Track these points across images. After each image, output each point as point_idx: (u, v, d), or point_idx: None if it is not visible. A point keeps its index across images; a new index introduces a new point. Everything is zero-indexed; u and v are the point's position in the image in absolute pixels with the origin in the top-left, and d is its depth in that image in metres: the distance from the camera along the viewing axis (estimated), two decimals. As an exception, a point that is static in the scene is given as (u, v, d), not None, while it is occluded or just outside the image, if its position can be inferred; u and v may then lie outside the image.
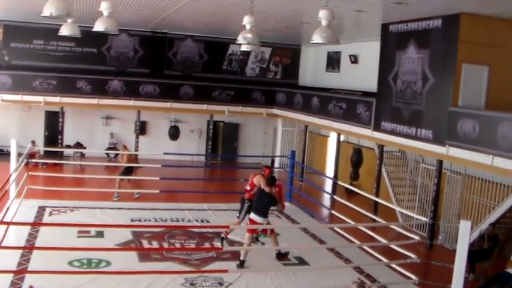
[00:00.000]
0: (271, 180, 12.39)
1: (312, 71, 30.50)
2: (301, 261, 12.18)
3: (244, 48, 13.89)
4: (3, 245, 10.60)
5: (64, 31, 13.96)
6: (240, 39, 11.93)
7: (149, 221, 14.77)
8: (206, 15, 20.84)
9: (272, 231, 12.43)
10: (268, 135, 31.44)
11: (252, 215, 12.29)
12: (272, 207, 12.72)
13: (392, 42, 18.93)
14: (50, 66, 27.80)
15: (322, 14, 10.21)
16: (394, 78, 18.54)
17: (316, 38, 10.28)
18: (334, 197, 17.83)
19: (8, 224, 11.56)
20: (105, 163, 26.44)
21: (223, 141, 31.40)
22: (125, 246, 12.44)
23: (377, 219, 15.03)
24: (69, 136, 28.06)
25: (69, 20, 13.36)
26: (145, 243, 12.76)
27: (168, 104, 27.59)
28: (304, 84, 30.39)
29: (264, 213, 12.20)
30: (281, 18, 19.84)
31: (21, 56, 28.20)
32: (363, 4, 15.64)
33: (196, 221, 14.73)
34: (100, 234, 12.88)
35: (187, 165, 23.83)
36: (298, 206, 17.52)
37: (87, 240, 12.40)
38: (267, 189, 12.27)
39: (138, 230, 13.41)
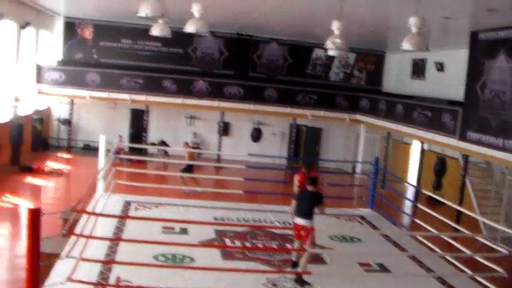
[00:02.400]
0: (312, 179, 12.00)
1: (396, 77, 30.23)
2: (383, 268, 12.07)
3: (331, 53, 13.86)
4: (93, 235, 10.96)
5: (155, 31, 14.33)
6: (328, 44, 11.94)
7: (232, 220, 14.93)
8: (292, 18, 20.96)
9: (312, 240, 11.25)
10: (350, 140, 31.30)
11: (296, 219, 11.46)
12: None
13: (481, 50, 18.56)
14: (137, 65, 28.60)
15: (412, 21, 10.18)
16: (482, 87, 18.19)
17: (406, 45, 10.25)
18: (418, 205, 17.57)
19: (98, 215, 11.95)
20: (188, 161, 26.82)
21: (305, 145, 31.46)
22: (207, 243, 12.66)
23: (460, 229, 14.78)
24: (154, 134, 28.69)
25: (160, 21, 13.68)
26: (228, 242, 12.91)
27: (252, 106, 27.87)
28: (388, 90, 30.15)
29: (307, 215, 11.32)
30: (367, 23, 19.77)
31: (110, 54, 29.12)
32: (452, 11, 15.46)
33: (278, 222, 14.82)
34: (184, 231, 13.11)
35: (270, 167, 24.00)
36: (380, 212, 17.40)
37: (172, 236, 12.65)
38: (309, 188, 11.90)
39: (222, 228, 13.59)
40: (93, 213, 11.65)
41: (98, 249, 11.02)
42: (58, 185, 21.98)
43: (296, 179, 13.81)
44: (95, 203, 14.21)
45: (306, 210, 11.32)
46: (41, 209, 7.94)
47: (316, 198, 11.50)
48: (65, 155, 27.18)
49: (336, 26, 11.87)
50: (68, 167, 24.65)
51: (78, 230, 10.80)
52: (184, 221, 13.12)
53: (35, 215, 7.85)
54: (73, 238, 10.45)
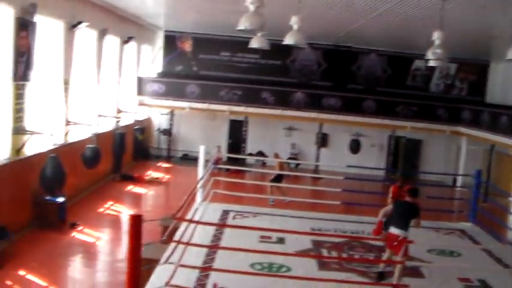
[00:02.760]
0: (414, 191, 11.72)
1: (501, 87, 29.28)
2: (484, 285, 11.69)
3: (432, 64, 13.58)
4: (192, 242, 11.14)
5: (254, 44, 14.47)
6: (429, 54, 11.72)
7: (329, 231, 14.76)
8: (392, 29, 20.73)
9: (405, 251, 10.82)
10: (451, 153, 30.57)
11: (391, 229, 11.19)
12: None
13: None
14: (236, 76, 29.02)
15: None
16: None
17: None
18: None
19: (197, 223, 12.14)
20: (286, 172, 26.94)
21: (404, 156, 30.96)
22: (303, 254, 12.64)
23: None
24: (252, 145, 28.94)
25: (259, 33, 13.83)
26: (325, 253, 12.86)
27: (350, 118, 27.69)
28: (492, 101, 29.25)
29: (404, 226, 11.04)
30: (469, 33, 19.30)
31: (209, 66, 29.71)
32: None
33: (369, 234, 14.62)
34: (281, 241, 13.14)
35: (368, 178, 23.76)
36: (481, 227, 16.88)
37: (269, 246, 12.68)
38: (409, 199, 11.61)
39: (319, 239, 13.54)
40: (192, 221, 11.84)
41: (196, 256, 11.19)
42: (157, 193, 22.56)
43: (390, 190, 13.66)
44: (194, 211, 14.46)
45: (402, 221, 11.08)
46: (143, 216, 8.15)
47: (414, 211, 11.24)
48: (165, 164, 27.83)
49: (436, 36, 11.61)
50: (167, 176, 25.23)
51: (177, 237, 11.00)
52: (282, 231, 13.14)
53: (137, 222, 8.06)
54: (172, 245, 10.67)
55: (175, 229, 11.91)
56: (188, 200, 11.20)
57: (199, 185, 15.33)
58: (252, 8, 9.43)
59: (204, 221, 13.31)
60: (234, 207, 16.56)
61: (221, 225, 14.06)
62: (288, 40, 11.82)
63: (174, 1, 18.84)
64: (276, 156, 22.67)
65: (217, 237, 13.03)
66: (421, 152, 31.02)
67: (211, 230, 13.35)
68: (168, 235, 10.20)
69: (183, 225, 11.95)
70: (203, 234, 12.67)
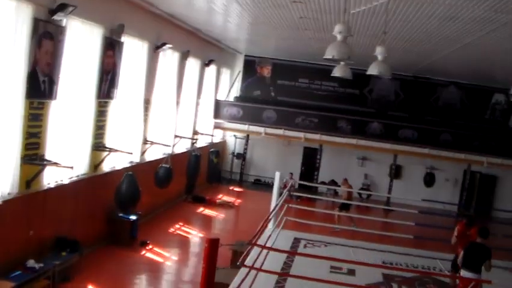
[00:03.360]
0: (485, 232, 11.46)
1: None
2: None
3: (517, 98, 13.36)
4: (263, 268, 11.16)
5: (337, 73, 14.49)
6: (516, 89, 11.52)
7: (400, 265, 14.63)
8: (473, 62, 20.47)
9: None
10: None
11: (463, 272, 11.13)
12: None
13: None
14: (313, 104, 29.06)
15: None
16: None
17: None
18: None
19: (270, 249, 12.16)
20: (357, 202, 26.79)
21: (478, 192, 30.27)
22: (375, 287, 12.52)
23: None
24: (324, 173, 28.81)
25: (342, 62, 13.85)
26: (396, 287, 12.73)
27: (426, 150, 27.32)
28: None
29: (476, 268, 10.94)
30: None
31: (287, 92, 29.87)
32: None
33: (448, 271, 14.36)
34: (352, 272, 13.05)
35: (440, 213, 23.29)
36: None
37: (339, 276, 12.59)
38: (479, 240, 11.36)
39: (390, 272, 13.38)
40: (267, 247, 11.85)
41: (267, 283, 11.22)
42: (228, 217, 22.67)
43: (456, 228, 13.42)
44: (266, 237, 14.49)
45: (475, 263, 10.98)
46: (219, 240, 8.22)
47: (487, 253, 11.06)
48: (236, 188, 27.99)
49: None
50: (238, 200, 25.36)
51: (248, 262, 11.02)
52: (353, 262, 13.03)
53: (214, 245, 8.14)
54: (243, 270, 10.70)
55: (246, 254, 11.98)
56: (264, 225, 11.24)
57: (273, 211, 15.36)
58: (339, 37, 9.48)
59: (276, 248, 13.31)
60: (305, 235, 16.56)
61: (293, 253, 14.05)
62: (372, 70, 11.81)
63: (256, 27, 19.03)
64: (345, 183, 22.56)
65: (287, 265, 13.05)
66: (496, 188, 30.27)
67: (282, 257, 13.37)
68: (241, 260, 10.22)
69: (254, 251, 11.98)
70: (274, 261, 12.69)
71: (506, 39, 14.64)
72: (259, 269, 10.55)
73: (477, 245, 11.32)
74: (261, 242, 13.69)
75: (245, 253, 10.30)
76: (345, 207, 21.36)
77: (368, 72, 12.09)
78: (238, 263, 9.73)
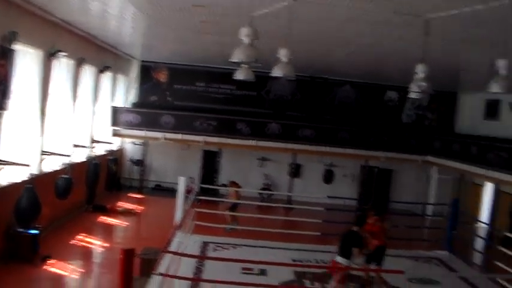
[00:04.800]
0: (359, 219, 11.93)
1: (469, 118, 29.83)
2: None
3: (415, 96, 13.78)
4: (175, 275, 11.03)
5: (240, 75, 14.45)
6: (413, 87, 11.86)
7: (310, 262, 14.88)
8: (369, 61, 20.99)
9: (340, 279, 11.49)
10: (422, 182, 30.85)
11: (336, 257, 11.73)
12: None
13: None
14: (211, 107, 28.95)
15: (501, 64, 10.06)
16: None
17: (494, 88, 10.11)
18: (497, 247, 17.12)
19: (183, 255, 12.05)
20: (259, 203, 27.00)
21: (375, 186, 31.15)
22: (288, 285, 12.61)
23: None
24: (225, 175, 28.85)
25: (243, 65, 13.85)
26: (308, 284, 12.89)
27: (324, 148, 27.83)
28: (461, 132, 29.76)
29: (346, 254, 11.53)
30: (442, 66, 19.61)
31: (184, 97, 29.70)
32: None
33: (356, 264, 14.68)
34: (263, 273, 13.14)
35: (341, 209, 23.73)
36: (456, 254, 17.13)
37: (251, 277, 12.68)
38: (355, 228, 11.82)
39: (301, 270, 13.54)
40: (180, 254, 11.75)
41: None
42: (130, 225, 22.25)
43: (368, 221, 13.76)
44: (175, 243, 14.34)
45: (345, 250, 11.56)
46: (135, 250, 8.06)
47: (356, 240, 11.55)
48: (137, 195, 27.61)
49: (420, 69, 11.77)
50: (140, 207, 25.01)
51: (161, 270, 10.83)
52: (266, 262, 13.16)
53: (129, 255, 7.97)
54: (155, 278, 10.52)
55: (151, 261, 11.82)
56: (174, 232, 11.13)
57: (179, 217, 15.25)
58: (246, 40, 9.46)
59: (190, 254, 13.23)
60: (213, 238, 16.58)
61: (207, 258, 14.01)
62: (277, 72, 11.84)
63: (154, 32, 18.75)
64: (232, 184, 22.72)
65: (199, 270, 13.00)
66: (392, 181, 31.23)
67: (193, 262, 13.30)
68: (155, 268, 10.03)
69: (166, 257, 11.83)
70: (185, 267, 12.59)
71: (400, 39, 15.13)
72: (173, 276, 10.43)
73: (350, 233, 11.87)
74: (171, 248, 13.60)
75: (158, 261, 10.14)
76: (233, 208, 21.63)
77: (272, 74, 12.12)
78: (153, 272, 9.54)
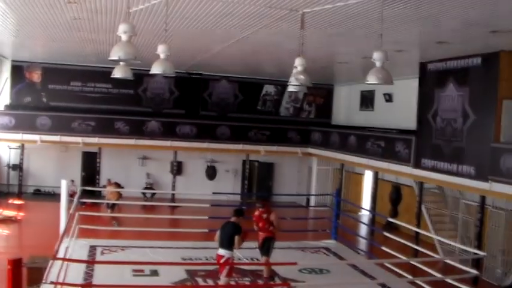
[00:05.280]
0: (237, 211, 12.19)
1: (345, 109, 30.79)
2: (355, 298, 12.25)
3: (293, 89, 14.05)
4: (65, 282, 10.76)
5: (117, 73, 14.24)
6: (292, 80, 12.04)
7: (200, 259, 14.87)
8: (243, 56, 21.21)
9: (228, 271, 11.48)
10: (303, 173, 31.58)
11: (218, 250, 11.79)
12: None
13: (431, 80, 19.18)
14: (88, 107, 28.39)
15: (376, 56, 10.40)
16: (434, 115, 18.73)
17: (371, 79, 10.41)
18: (383, 232, 17.78)
19: (73, 261, 11.79)
20: (142, 202, 26.80)
21: (258, 180, 31.57)
22: (181, 285, 12.57)
23: (421, 249, 15.22)
24: (106, 176, 28.33)
25: (121, 63, 13.67)
26: (201, 281, 12.88)
27: (205, 145, 27.95)
28: (337, 123, 30.67)
29: (227, 245, 11.62)
30: (318, 59, 20.11)
31: (59, 97, 28.92)
32: (403, 44, 15.90)
33: (247, 259, 14.83)
34: (155, 273, 13.03)
35: (226, 204, 23.90)
36: (343, 242, 17.68)
37: (143, 279, 12.54)
38: (233, 219, 12.11)
39: (192, 268, 13.53)
40: (70, 260, 11.49)
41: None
42: (13, 233, 21.42)
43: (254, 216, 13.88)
44: (62, 249, 13.98)
45: (226, 241, 11.59)
46: (22, 259, 7.82)
47: (235, 230, 11.65)
48: (17, 201, 26.63)
49: (299, 63, 12.00)
50: (21, 213, 24.15)
51: (51, 278, 10.53)
52: (157, 263, 13.06)
53: (17, 265, 7.73)
54: (45, 286, 10.24)
55: (39, 269, 11.50)
56: (62, 238, 10.86)
57: (64, 221, 14.88)
58: (124, 37, 9.30)
59: (79, 259, 12.94)
60: (100, 241, 16.27)
61: (98, 262, 13.74)
62: (156, 69, 11.69)
63: (24, 29, 18.03)
64: (109, 183, 22.53)
65: (89, 275, 12.72)
66: (274, 174, 31.72)
67: (82, 267, 12.99)
68: (45, 277, 9.76)
69: (55, 264, 11.52)
70: (74, 273, 12.29)
71: (277, 33, 15.35)
72: (64, 284, 10.19)
73: (229, 224, 11.93)
74: (58, 254, 13.25)
75: (48, 269, 9.86)
76: (113, 206, 21.53)
77: (151, 72, 11.94)
78: (44, 281, 9.27)
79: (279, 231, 13.44)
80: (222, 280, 11.41)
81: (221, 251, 11.58)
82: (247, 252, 14.65)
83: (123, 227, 19.98)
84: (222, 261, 11.55)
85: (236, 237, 11.47)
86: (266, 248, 13.29)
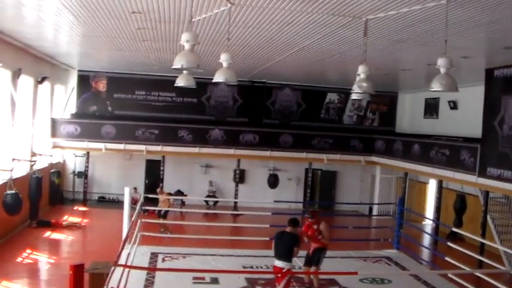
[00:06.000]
0: (292, 221, 11.94)
1: (409, 117, 30.39)
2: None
3: (356, 97, 13.88)
4: (125, 288, 10.84)
5: (180, 82, 14.32)
6: (355, 88, 11.91)
7: (261, 267, 14.77)
8: (306, 64, 21.11)
9: (287, 283, 11.18)
10: (366, 182, 31.24)
11: (275, 262, 11.50)
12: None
13: (498, 86, 18.71)
14: (152, 115, 28.79)
15: (441, 62, 10.16)
16: (500, 123, 18.25)
17: (436, 86, 10.18)
18: (448, 243, 17.39)
19: (134, 268, 11.86)
20: (205, 210, 26.94)
21: (320, 188, 31.46)
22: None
23: (486, 260, 14.82)
24: (170, 184, 28.58)
25: (184, 72, 13.74)
26: (260, 290, 12.84)
27: (268, 153, 27.95)
28: (401, 131, 30.27)
29: (284, 256, 11.36)
30: (382, 66, 19.90)
31: (124, 106, 29.32)
32: (469, 50, 15.57)
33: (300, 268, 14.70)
34: (215, 281, 13.01)
35: (288, 212, 23.79)
36: (406, 252, 17.35)
37: (203, 287, 12.56)
38: (288, 229, 11.84)
39: (252, 276, 13.46)
40: (132, 267, 11.56)
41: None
42: (76, 239, 21.80)
43: (303, 226, 13.73)
44: (124, 256, 14.11)
45: (284, 252, 11.37)
46: (84, 265, 7.88)
47: (295, 240, 11.47)
48: (82, 208, 27.13)
49: (361, 70, 11.85)
50: (85, 220, 24.57)
51: (112, 284, 10.61)
52: (217, 271, 13.05)
53: (79, 271, 7.79)
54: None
55: (101, 276, 11.59)
56: (123, 244, 10.94)
57: (127, 228, 15.01)
58: (187, 46, 9.34)
59: (140, 266, 13.02)
60: (161, 249, 16.35)
61: (159, 269, 13.81)
62: (218, 78, 11.74)
63: (91, 40, 18.40)
64: (161, 192, 22.65)
65: (150, 281, 12.78)
66: (337, 182, 31.49)
67: (143, 274, 13.07)
68: (107, 283, 9.83)
69: (116, 271, 11.62)
70: (135, 280, 12.35)
71: (340, 41, 15.25)
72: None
73: (285, 234, 11.69)
74: (120, 261, 13.37)
75: (110, 275, 9.93)
76: (165, 214, 21.60)
77: (214, 80, 12.01)
78: (105, 287, 9.34)
79: (328, 241, 13.18)
80: None
81: (279, 263, 11.32)
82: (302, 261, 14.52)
83: (186, 234, 20.05)
84: (280, 273, 11.28)
85: (296, 249, 11.32)
86: (317, 258, 13.09)
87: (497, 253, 19.19)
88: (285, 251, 11.36)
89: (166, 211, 21.90)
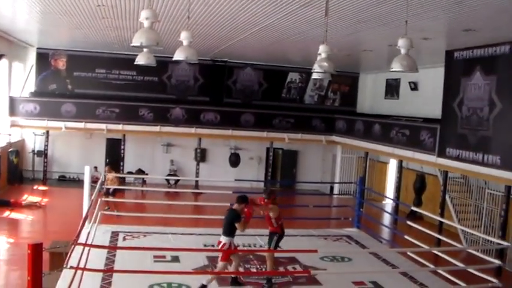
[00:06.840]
0: (239, 198, 12.05)
1: (370, 98, 30.63)
2: (377, 286, 12.10)
3: (317, 76, 13.92)
4: (87, 267, 10.78)
5: (141, 60, 14.20)
6: (316, 67, 11.94)
7: (222, 246, 14.85)
8: (268, 44, 21.09)
9: (225, 256, 11.58)
10: (327, 161, 31.48)
11: (220, 237, 11.88)
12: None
13: (457, 68, 18.94)
14: (112, 94, 28.48)
15: (402, 43, 10.26)
16: (459, 104, 18.52)
17: (396, 66, 10.29)
18: (407, 221, 17.64)
19: (95, 247, 11.81)
20: (166, 189, 26.91)
21: (282, 168, 31.62)
22: (202, 271, 12.55)
23: (444, 239, 15.04)
24: (130, 163, 28.48)
25: (144, 50, 13.64)
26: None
27: (229, 132, 27.96)
28: (362, 111, 30.49)
29: (227, 232, 11.68)
30: (344, 47, 19.97)
31: (84, 84, 29.01)
32: (430, 32, 15.71)
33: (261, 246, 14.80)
34: (176, 259, 13.00)
35: (249, 191, 23.82)
36: (366, 231, 17.56)
37: (164, 265, 12.53)
38: (235, 206, 11.91)
39: (214, 255, 13.47)
40: (92, 245, 11.51)
41: (93, 282, 10.89)
42: (37, 218, 21.59)
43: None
44: (84, 235, 14.01)
45: (225, 228, 11.75)
46: (43, 244, 7.81)
47: (233, 216, 11.70)
48: (41, 187, 26.86)
49: (322, 50, 11.87)
50: (45, 199, 24.34)
51: (72, 263, 10.54)
52: (178, 249, 13.05)
53: (37, 250, 7.71)
54: (66, 272, 10.25)
55: (65, 255, 11.50)
56: (83, 223, 10.88)
57: (87, 207, 14.92)
58: (147, 23, 9.26)
59: (101, 245, 12.97)
60: (122, 227, 16.29)
61: (118, 248, 13.74)
62: (178, 56, 11.68)
63: (49, 17, 18.09)
64: (109, 170, 22.44)
65: (110, 260, 12.73)
66: (298, 162, 31.65)
67: (104, 253, 13.02)
68: (66, 262, 9.76)
69: (76, 250, 11.55)
70: (96, 258, 12.29)
71: (301, 20, 15.26)
72: (85, 269, 10.19)
73: (230, 210, 12.03)
74: (80, 240, 13.28)
75: (69, 254, 9.86)
76: (113, 192, 21.43)
77: (174, 58, 11.95)
78: (64, 266, 9.26)
79: (275, 226, 12.87)
80: (219, 264, 11.54)
81: (221, 238, 11.75)
82: (265, 239, 14.56)
83: (147, 213, 19.95)
84: (220, 246, 11.73)
85: (238, 224, 11.54)
86: (269, 241, 13.05)
87: (456, 232, 19.53)
88: (226, 226, 11.72)
89: (115, 190, 21.58)
